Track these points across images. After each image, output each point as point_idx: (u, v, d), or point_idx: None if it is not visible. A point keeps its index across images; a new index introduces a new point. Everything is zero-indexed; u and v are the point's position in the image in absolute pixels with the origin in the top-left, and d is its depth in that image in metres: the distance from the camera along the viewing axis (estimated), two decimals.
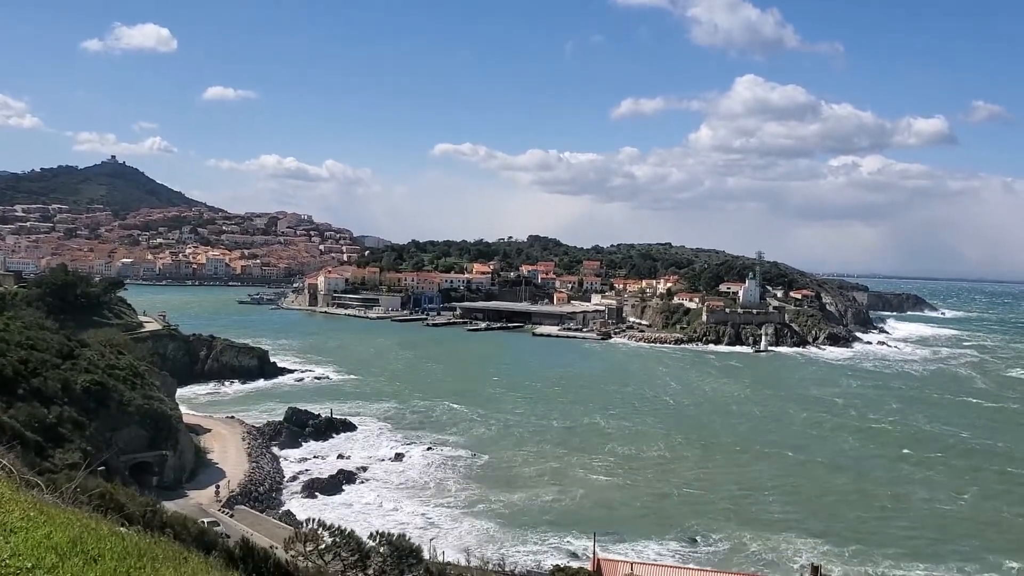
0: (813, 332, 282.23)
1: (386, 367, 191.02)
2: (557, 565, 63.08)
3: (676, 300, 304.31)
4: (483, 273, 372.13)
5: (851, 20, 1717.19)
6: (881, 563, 75.63)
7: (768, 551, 77.76)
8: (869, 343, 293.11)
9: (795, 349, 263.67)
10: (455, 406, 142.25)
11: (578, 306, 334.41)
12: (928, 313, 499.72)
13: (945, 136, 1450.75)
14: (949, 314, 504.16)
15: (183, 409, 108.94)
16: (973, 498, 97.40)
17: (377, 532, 38.34)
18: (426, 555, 46.63)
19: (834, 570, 69.94)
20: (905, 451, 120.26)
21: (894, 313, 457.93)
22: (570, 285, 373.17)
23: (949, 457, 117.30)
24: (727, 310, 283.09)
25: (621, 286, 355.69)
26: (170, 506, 46.79)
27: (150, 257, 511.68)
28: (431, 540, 69.13)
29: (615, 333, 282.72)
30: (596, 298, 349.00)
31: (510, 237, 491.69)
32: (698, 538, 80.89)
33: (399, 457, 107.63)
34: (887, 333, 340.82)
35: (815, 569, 66.92)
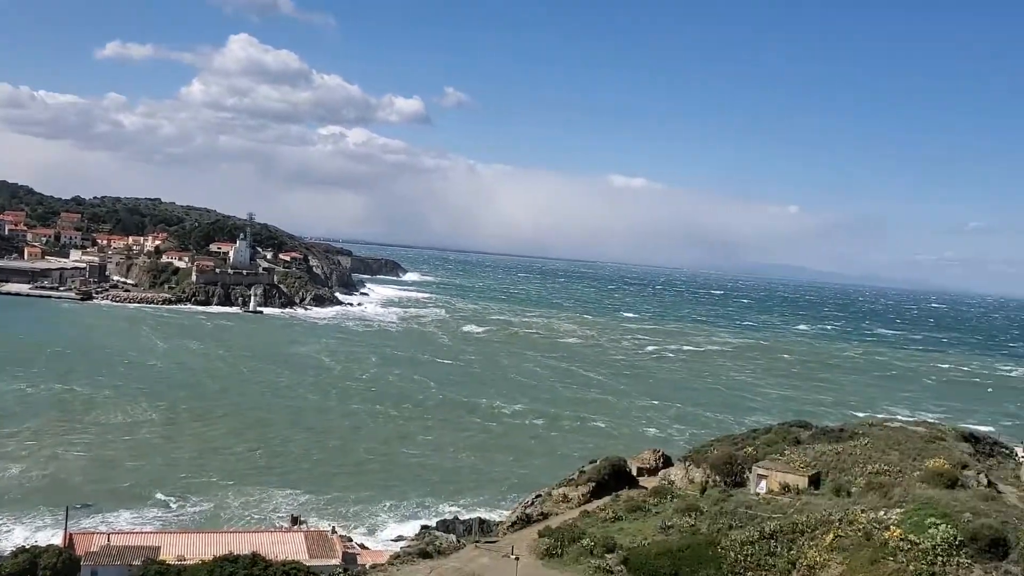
0: (300, 293, 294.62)
1: None
2: (22, 546, 59.15)
3: (165, 259, 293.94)
4: None
5: None
6: (351, 507, 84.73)
7: (251, 507, 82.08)
8: (352, 304, 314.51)
9: (283, 310, 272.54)
10: None
11: (54, 262, 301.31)
12: (403, 277, 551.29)
13: (421, 116, 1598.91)
14: (420, 278, 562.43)
15: None
16: (429, 445, 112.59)
17: None
18: None
19: (313, 517, 76.63)
20: (378, 406, 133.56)
21: (375, 276, 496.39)
22: (45, 239, 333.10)
23: (421, 411, 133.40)
24: (217, 270, 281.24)
25: (105, 242, 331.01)
26: None
27: None
28: None
29: (97, 293, 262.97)
30: (76, 254, 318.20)
31: None
32: (176, 502, 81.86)
33: None
34: (368, 295, 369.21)
35: (295, 519, 72.94)
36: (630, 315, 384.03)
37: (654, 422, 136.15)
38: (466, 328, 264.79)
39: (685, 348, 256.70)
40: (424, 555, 49.42)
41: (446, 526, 72.43)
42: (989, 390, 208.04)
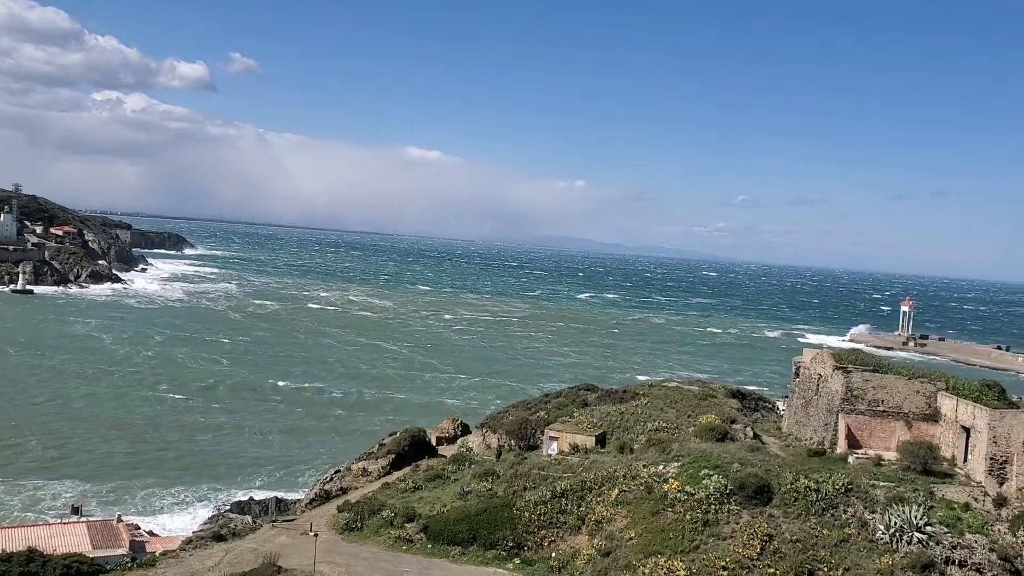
0: (75, 270, 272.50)
1: None
2: None
3: None
4: None
5: None
6: (138, 493, 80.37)
7: (28, 499, 75.99)
8: (132, 281, 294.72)
9: (57, 288, 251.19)
10: None
11: None
12: (189, 251, 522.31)
13: (206, 83, 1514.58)
14: (208, 252, 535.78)
15: None
16: (223, 427, 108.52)
17: None
18: None
19: (96, 508, 72.06)
20: (164, 386, 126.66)
21: (157, 251, 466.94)
22: None
23: (212, 393, 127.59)
24: None
25: None
26: None
27: None
28: None
29: None
30: None
31: None
32: None
33: None
34: (149, 271, 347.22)
35: (75, 509, 68.17)
36: (428, 288, 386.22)
37: (454, 392, 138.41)
38: (258, 303, 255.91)
39: (482, 318, 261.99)
40: (218, 538, 47.96)
41: (241, 508, 70.38)
42: (753, 350, 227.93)
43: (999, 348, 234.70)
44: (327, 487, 62.55)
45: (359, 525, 53.22)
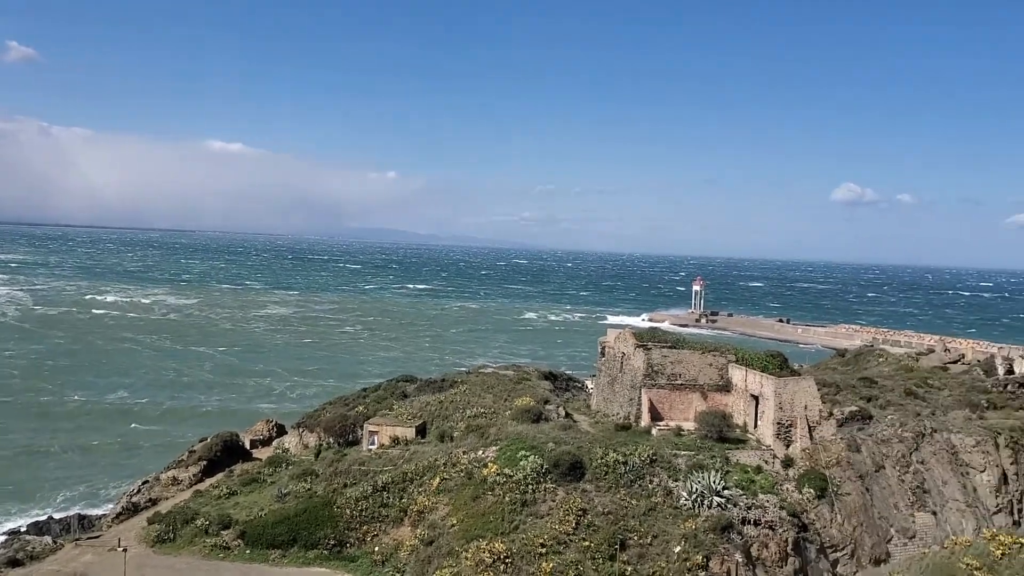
0: None
1: None
2: None
3: None
4: None
5: None
6: None
7: None
8: None
9: None
10: None
11: None
12: None
13: None
14: None
15: None
16: (13, 450, 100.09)
17: None
18: None
19: None
20: None
21: None
22: None
23: (11, 408, 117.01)
24: None
25: None
26: None
27: None
28: None
29: None
30: None
31: None
32: None
33: None
34: None
35: None
36: (236, 286, 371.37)
37: (268, 393, 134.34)
38: (50, 310, 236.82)
39: (295, 315, 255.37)
40: (14, 563, 44.68)
41: (39, 528, 65.34)
42: (564, 333, 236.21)
43: (781, 321, 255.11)
44: (135, 499, 59.45)
45: (172, 536, 51.13)
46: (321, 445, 68.15)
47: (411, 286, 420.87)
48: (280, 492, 55.35)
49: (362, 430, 66.89)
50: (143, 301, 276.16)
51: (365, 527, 50.71)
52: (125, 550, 43.22)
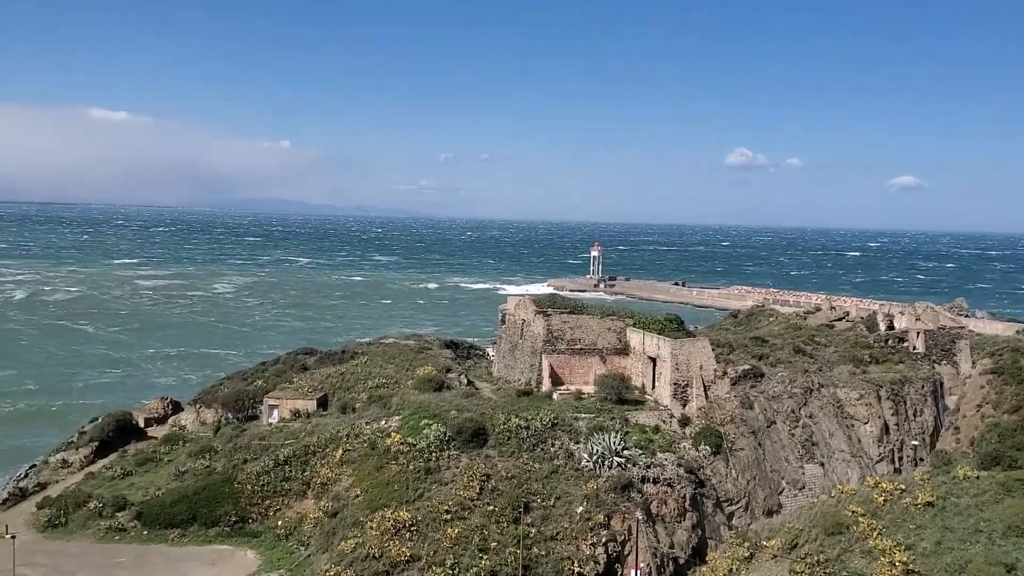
0: None
1: None
2: None
3: None
4: None
5: None
6: None
7: None
8: None
9: None
10: None
11: None
12: None
13: None
14: None
15: None
16: None
17: None
18: None
19: None
20: None
21: None
22: None
23: None
24: None
25: None
26: None
27: None
28: None
29: None
30: None
31: None
32: None
33: None
34: None
35: None
36: (126, 261, 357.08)
37: (165, 371, 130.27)
38: None
39: (191, 292, 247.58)
40: None
41: None
42: (466, 302, 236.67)
43: (677, 284, 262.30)
44: (22, 484, 57.06)
45: (63, 520, 49.44)
46: (220, 421, 66.75)
47: (311, 259, 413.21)
48: (178, 470, 54.06)
49: (262, 404, 65.82)
50: (25, 278, 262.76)
51: (267, 502, 50.12)
52: (13, 537, 41.48)
